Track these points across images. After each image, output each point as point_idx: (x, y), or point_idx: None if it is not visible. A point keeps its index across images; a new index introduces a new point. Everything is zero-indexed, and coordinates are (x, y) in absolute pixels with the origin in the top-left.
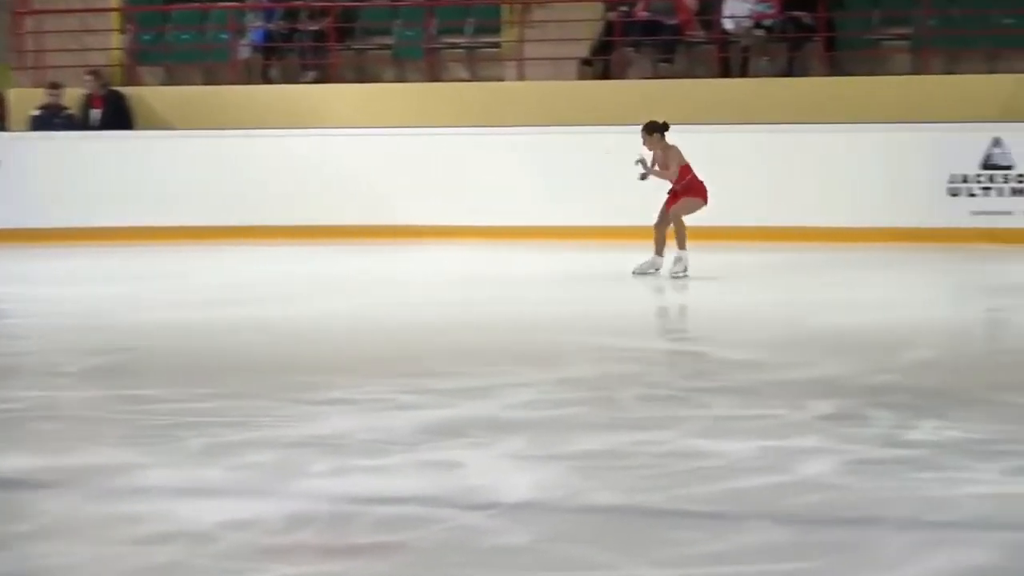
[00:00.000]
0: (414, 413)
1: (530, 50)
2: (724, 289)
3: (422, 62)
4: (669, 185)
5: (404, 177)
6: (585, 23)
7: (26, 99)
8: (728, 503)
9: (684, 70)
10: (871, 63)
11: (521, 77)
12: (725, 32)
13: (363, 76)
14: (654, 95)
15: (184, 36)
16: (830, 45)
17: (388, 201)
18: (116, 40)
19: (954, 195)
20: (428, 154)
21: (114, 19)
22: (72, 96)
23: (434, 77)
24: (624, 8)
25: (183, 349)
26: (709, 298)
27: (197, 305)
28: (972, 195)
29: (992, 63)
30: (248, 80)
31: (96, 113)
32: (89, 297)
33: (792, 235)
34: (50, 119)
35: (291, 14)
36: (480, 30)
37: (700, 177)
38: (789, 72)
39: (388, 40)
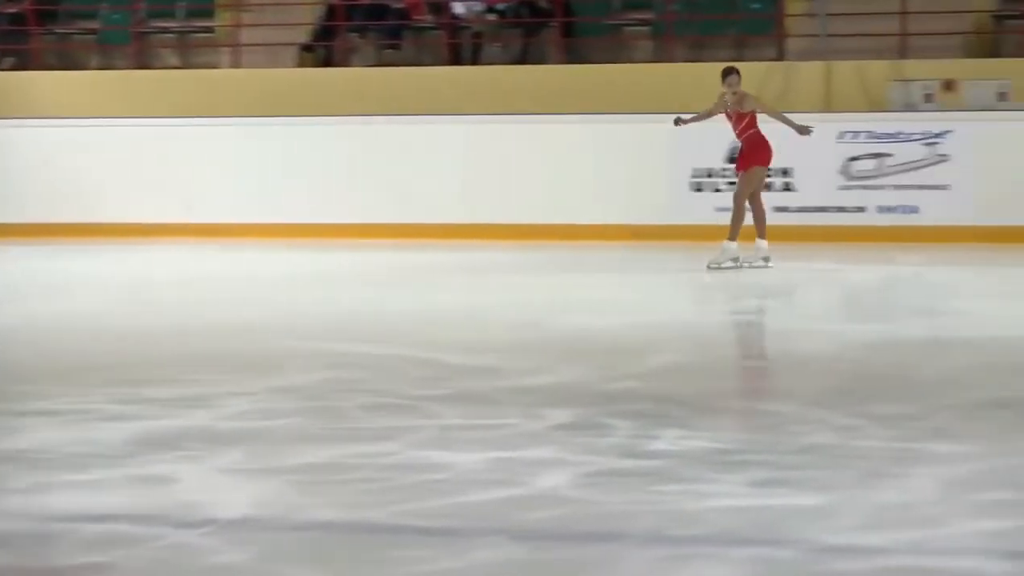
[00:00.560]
0: (125, 424)
1: (246, 35)
2: (452, 290)
3: (130, 48)
4: None
5: (113, 171)
6: (305, 7)
7: None
8: (458, 518)
9: (412, 57)
10: (611, 50)
11: (237, 64)
12: (455, 17)
13: (67, 63)
14: (379, 83)
15: None
16: (567, 31)
17: (96, 198)
18: None
19: (698, 190)
20: (138, 147)
21: None
22: None
23: (143, 64)
24: None
25: None
26: (438, 300)
27: None
28: (717, 190)
29: (739, 50)
30: None
31: None
32: None
33: (523, 233)
34: None
35: None
36: (192, 14)
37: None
38: (524, 59)
39: (94, 24)
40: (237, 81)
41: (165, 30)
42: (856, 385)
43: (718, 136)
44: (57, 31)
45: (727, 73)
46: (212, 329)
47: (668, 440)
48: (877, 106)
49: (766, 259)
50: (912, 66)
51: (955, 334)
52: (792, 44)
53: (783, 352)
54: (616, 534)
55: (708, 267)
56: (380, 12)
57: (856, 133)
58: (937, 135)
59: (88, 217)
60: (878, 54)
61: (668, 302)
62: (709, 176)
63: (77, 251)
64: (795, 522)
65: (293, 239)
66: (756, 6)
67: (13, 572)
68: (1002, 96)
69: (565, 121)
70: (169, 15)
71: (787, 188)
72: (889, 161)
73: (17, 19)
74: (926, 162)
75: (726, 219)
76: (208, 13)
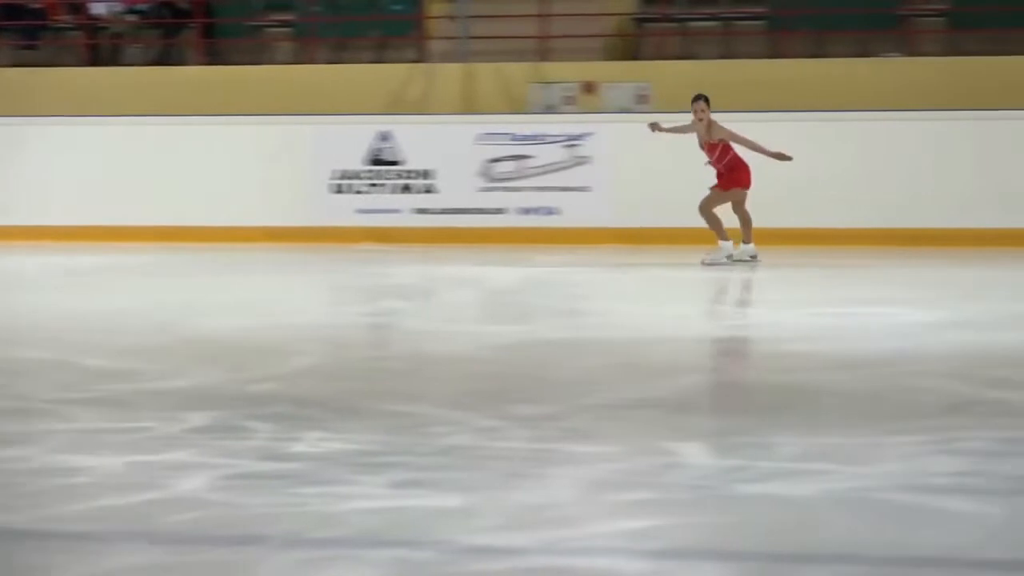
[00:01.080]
0: None
1: None
2: (91, 292)
3: None
4: None
5: None
6: None
7: None
8: (96, 523)
9: (50, 58)
10: (252, 51)
11: None
12: (95, 17)
13: None
14: (17, 84)
15: None
16: (208, 32)
17: None
18: None
19: (338, 192)
20: None
21: None
22: None
23: None
24: None
25: None
26: (77, 303)
27: None
28: (358, 192)
29: (380, 52)
30: None
31: None
32: None
33: (164, 235)
34: None
35: None
36: None
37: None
38: (164, 60)
39: None
40: None
41: None
42: (496, 386)
43: (357, 138)
44: None
45: (694, 99)
46: None
47: (308, 442)
48: (518, 108)
49: (753, 256)
50: (553, 68)
51: (594, 335)
52: (434, 46)
53: (423, 353)
54: (256, 537)
55: (702, 263)
56: (17, 12)
57: (496, 135)
58: (577, 137)
59: None
60: (520, 56)
61: (308, 303)
62: (349, 178)
63: None
64: (435, 523)
65: None
66: (397, 8)
67: None
68: (641, 99)
69: (203, 122)
70: None
71: (428, 190)
72: (529, 163)
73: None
74: (566, 164)
75: (367, 221)
76: None
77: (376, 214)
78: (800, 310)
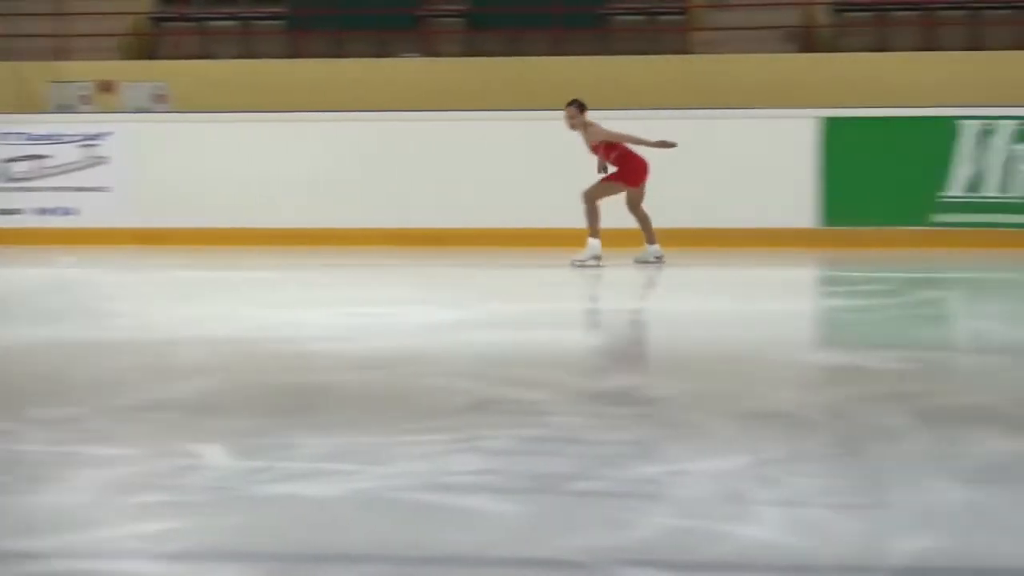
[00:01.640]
0: None
1: None
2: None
3: None
4: None
5: None
6: None
7: None
8: None
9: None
10: None
11: None
12: None
13: None
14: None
15: None
16: None
17: None
18: None
19: None
20: None
21: None
22: None
23: None
24: None
25: None
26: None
27: None
28: None
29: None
30: None
31: None
32: None
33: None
34: None
35: None
36: None
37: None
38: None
39: None
40: None
41: None
42: (14, 389)
43: None
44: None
45: (566, 106)
46: None
47: None
48: (34, 107)
49: (659, 257)
50: (70, 67)
51: (119, 336)
52: None
53: None
54: None
55: (572, 264)
56: None
57: (11, 135)
58: (94, 137)
59: None
60: (37, 54)
61: None
62: None
63: None
64: None
65: None
66: None
67: None
68: (159, 98)
69: None
70: None
71: None
72: (47, 163)
73: None
74: (84, 164)
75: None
76: None
77: None
78: (322, 310)
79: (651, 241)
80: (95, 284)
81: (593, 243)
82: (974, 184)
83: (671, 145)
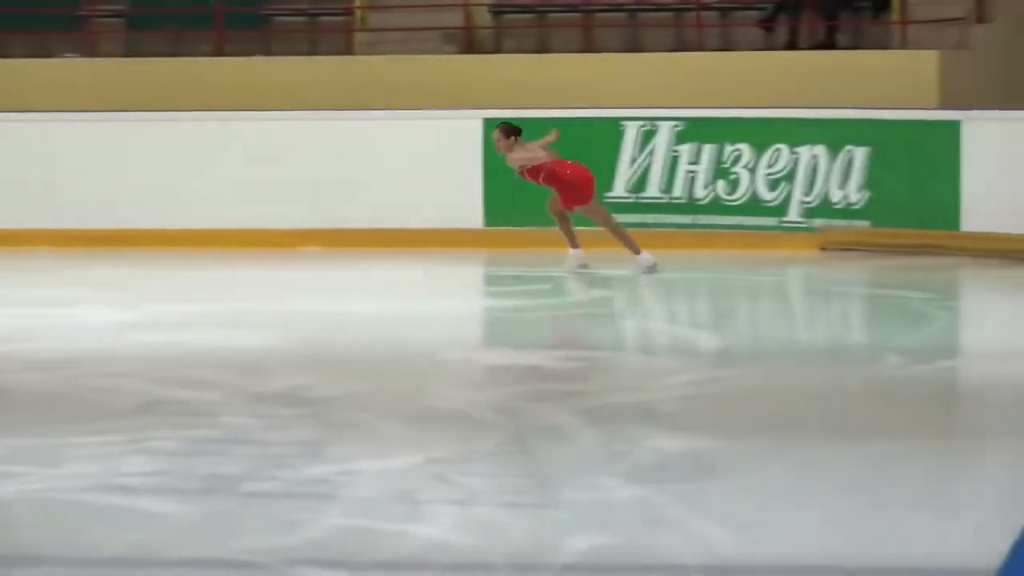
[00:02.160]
0: None
1: None
2: None
3: None
4: None
5: None
6: None
7: None
8: None
9: None
10: None
11: None
12: None
13: None
14: None
15: None
16: None
17: None
18: None
19: None
20: None
21: None
22: None
23: None
24: None
25: None
26: None
27: None
28: None
29: None
30: None
31: None
32: None
33: None
34: None
35: None
36: None
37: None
38: None
39: None
40: None
41: None
42: None
43: None
44: None
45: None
46: None
47: None
48: None
49: (584, 265)
50: None
51: None
52: None
53: None
54: None
55: (644, 272)
56: None
57: None
58: None
59: None
60: None
61: None
62: None
63: None
64: None
65: None
66: None
67: None
68: None
69: None
70: None
71: None
72: None
73: None
74: None
75: None
76: None
77: None
78: None
79: (636, 251)
80: None
81: (574, 253)
82: (638, 185)
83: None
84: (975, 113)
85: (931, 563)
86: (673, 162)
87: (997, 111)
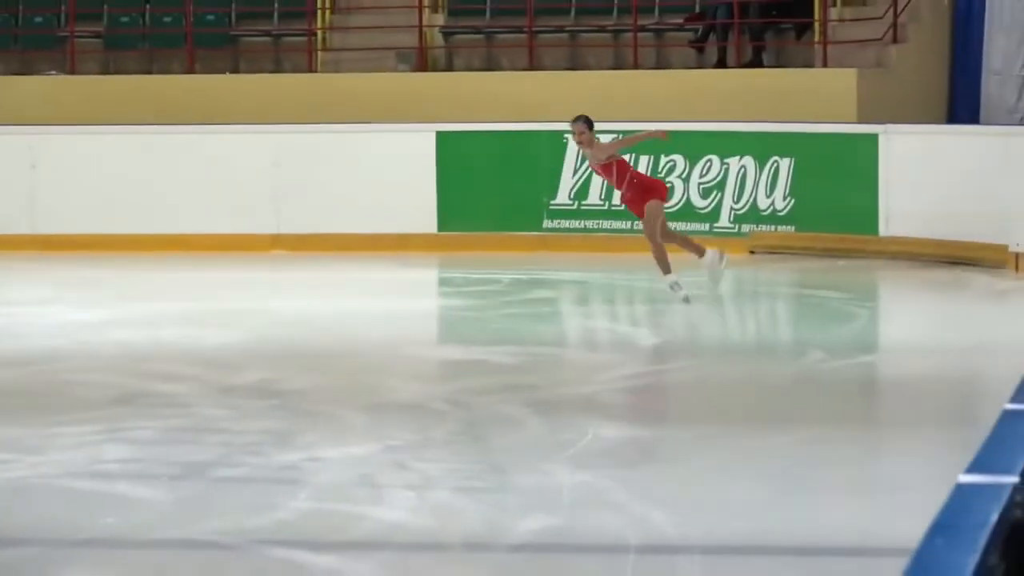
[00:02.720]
0: None
1: None
2: None
3: None
4: None
5: None
6: None
7: None
8: None
9: None
10: None
11: None
12: None
13: None
14: None
15: None
16: None
17: None
18: None
19: None
20: None
21: None
22: None
23: None
24: None
25: None
26: None
27: None
28: None
29: None
30: None
31: None
32: None
33: None
34: None
35: None
36: None
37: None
38: None
39: None
40: None
41: None
42: None
43: None
44: None
45: (572, 122)
46: None
47: None
48: None
49: (716, 274)
50: None
51: None
52: None
53: None
54: None
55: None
56: None
57: None
58: None
59: None
60: None
61: None
62: None
63: None
64: None
65: None
66: None
67: None
68: None
69: None
70: None
71: None
72: None
73: None
74: None
75: None
76: None
77: None
78: None
79: (701, 253)
80: None
81: (667, 278)
82: (580, 193)
83: (662, 134)
84: (891, 127)
85: (852, 542)
86: None
87: (912, 125)
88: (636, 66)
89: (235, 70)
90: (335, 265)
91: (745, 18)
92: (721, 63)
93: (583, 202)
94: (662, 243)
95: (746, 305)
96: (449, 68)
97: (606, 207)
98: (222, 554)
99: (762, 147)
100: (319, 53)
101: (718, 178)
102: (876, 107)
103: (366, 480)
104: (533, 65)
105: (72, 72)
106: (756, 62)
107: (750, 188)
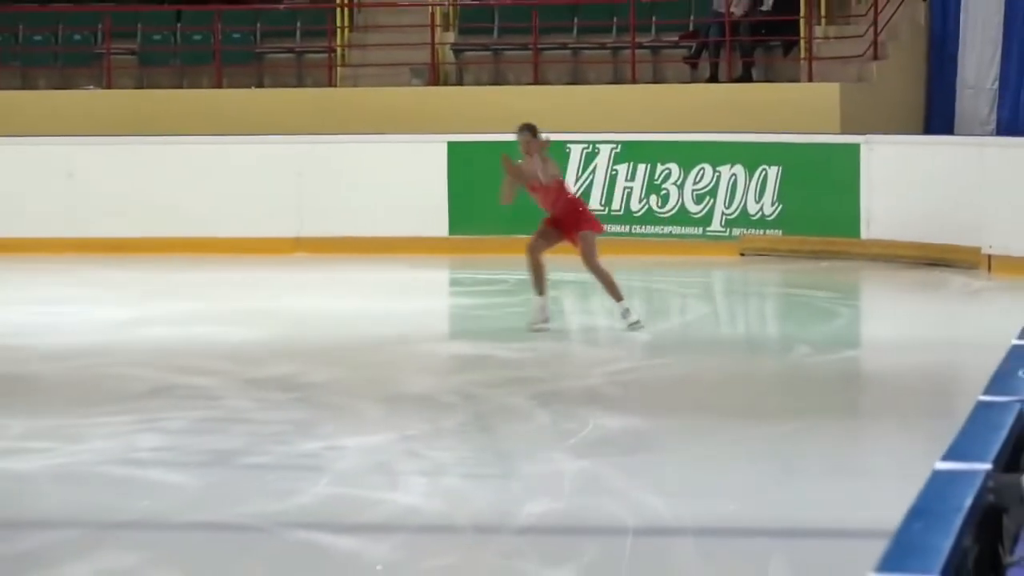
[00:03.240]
0: None
1: None
2: None
3: None
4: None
5: None
6: None
7: None
8: None
9: None
10: None
11: None
12: None
13: None
14: None
15: None
16: None
17: None
18: None
19: None
20: None
21: None
22: None
23: None
24: None
25: None
26: None
27: None
28: None
29: None
30: None
31: None
32: None
33: None
34: None
35: None
36: None
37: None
38: None
39: None
40: None
41: None
42: None
43: None
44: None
45: (520, 131)
46: None
47: None
48: None
49: (634, 323)
50: None
51: None
52: None
53: None
54: None
55: (532, 328)
56: None
57: None
58: None
59: None
60: None
61: None
62: None
63: None
64: None
65: None
66: None
67: None
68: None
69: None
70: None
71: None
72: None
73: None
74: None
75: None
76: None
77: None
78: (5, 308)
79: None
80: None
81: (537, 301)
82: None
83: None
84: (872, 137)
85: (835, 525)
86: (612, 179)
87: (891, 136)
88: (634, 81)
89: (260, 85)
90: (353, 266)
91: (736, 36)
92: (713, 78)
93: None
94: (604, 268)
95: (736, 304)
96: (459, 83)
97: (606, 212)
98: (248, 536)
99: (751, 156)
100: (338, 69)
101: (710, 185)
102: (858, 119)
103: (382, 467)
104: (538, 80)
105: (108, 86)
106: (746, 77)
107: (740, 194)
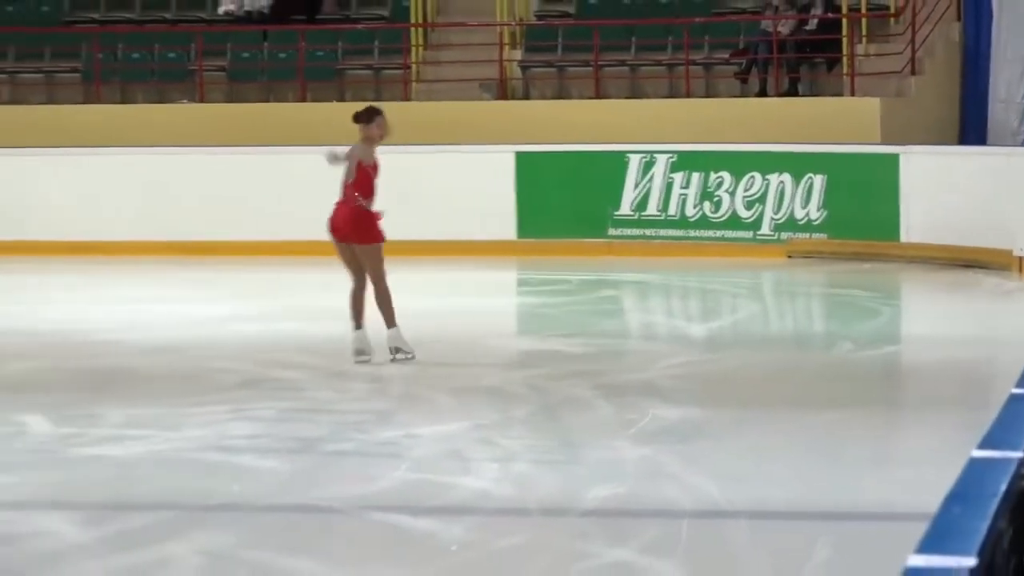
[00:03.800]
0: None
1: None
2: None
3: None
4: None
5: None
6: None
7: None
8: None
9: None
10: None
11: None
12: None
13: None
14: None
15: None
16: None
17: None
18: None
19: None
20: None
21: None
22: None
23: None
24: None
25: None
26: None
27: None
28: None
29: None
30: None
31: None
32: None
33: None
34: None
35: None
36: None
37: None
38: None
39: None
40: None
41: None
42: None
43: None
44: None
45: (376, 113)
46: None
47: None
48: None
49: (407, 354)
50: None
51: None
52: None
53: None
54: None
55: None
56: None
57: None
58: None
59: None
60: None
61: None
62: None
63: None
64: None
65: None
66: None
67: None
68: None
69: None
70: None
71: None
72: None
73: None
74: None
75: None
76: None
77: None
78: (104, 306)
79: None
80: None
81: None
82: (640, 205)
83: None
84: (910, 148)
85: (876, 509)
86: (668, 187)
87: (928, 146)
88: (688, 95)
89: (341, 99)
90: (427, 267)
91: (783, 54)
92: (762, 92)
93: (643, 213)
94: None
95: (784, 303)
96: (526, 97)
97: (663, 217)
98: (332, 518)
99: (798, 165)
100: (413, 84)
101: (760, 192)
102: (897, 131)
103: (456, 454)
104: (599, 94)
105: (200, 101)
106: (792, 92)
107: (788, 201)
